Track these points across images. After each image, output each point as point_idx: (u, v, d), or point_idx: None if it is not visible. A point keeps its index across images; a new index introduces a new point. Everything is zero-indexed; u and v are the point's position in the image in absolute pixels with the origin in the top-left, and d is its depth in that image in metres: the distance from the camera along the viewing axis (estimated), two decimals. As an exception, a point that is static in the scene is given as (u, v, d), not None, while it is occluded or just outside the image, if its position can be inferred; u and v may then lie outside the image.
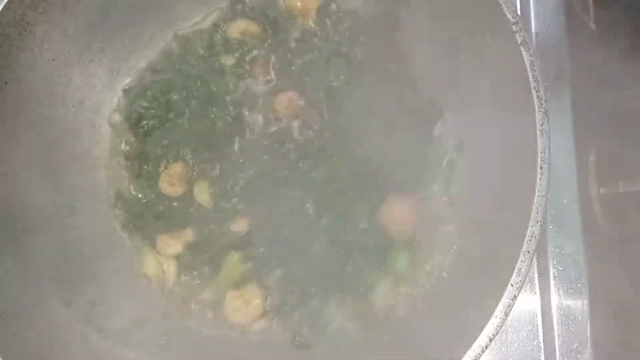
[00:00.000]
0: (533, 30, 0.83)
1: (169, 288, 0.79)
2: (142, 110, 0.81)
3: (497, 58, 0.67)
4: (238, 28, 0.82)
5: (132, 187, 0.81)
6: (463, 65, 0.73)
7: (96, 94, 0.81)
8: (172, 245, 0.78)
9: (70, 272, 0.74)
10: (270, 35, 0.82)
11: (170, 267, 0.78)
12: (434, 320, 0.69)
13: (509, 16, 0.63)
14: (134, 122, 0.81)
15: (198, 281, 0.78)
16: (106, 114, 0.82)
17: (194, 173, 0.80)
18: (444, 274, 0.73)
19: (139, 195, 0.81)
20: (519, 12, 0.79)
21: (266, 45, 0.83)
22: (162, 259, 0.79)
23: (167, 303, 0.78)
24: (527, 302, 0.77)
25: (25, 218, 0.72)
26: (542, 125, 0.61)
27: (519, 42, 0.62)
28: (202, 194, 0.79)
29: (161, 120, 0.81)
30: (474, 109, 0.73)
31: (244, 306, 0.75)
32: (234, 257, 0.77)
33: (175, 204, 0.80)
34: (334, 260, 0.75)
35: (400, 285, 0.75)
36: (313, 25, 0.82)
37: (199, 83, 0.81)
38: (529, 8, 0.83)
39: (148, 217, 0.80)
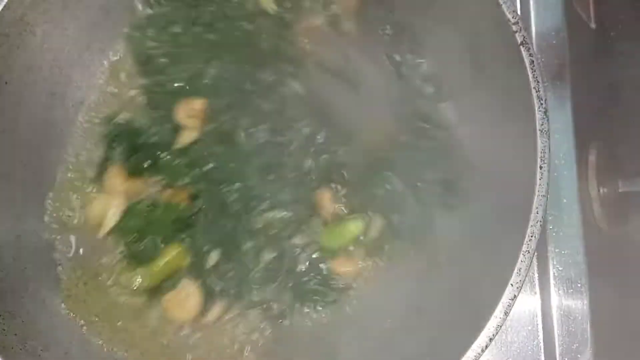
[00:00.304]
0: (533, 30, 0.83)
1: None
2: (149, 50, 0.78)
3: (497, 58, 0.67)
4: None
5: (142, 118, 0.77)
6: (463, 66, 0.73)
7: (96, 95, 0.81)
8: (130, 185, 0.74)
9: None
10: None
11: (116, 212, 0.74)
12: (433, 320, 0.69)
13: (509, 16, 0.63)
14: (144, 62, 0.79)
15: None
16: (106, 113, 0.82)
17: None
18: (444, 274, 0.73)
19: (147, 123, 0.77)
20: (519, 12, 0.79)
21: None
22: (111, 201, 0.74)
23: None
24: (527, 302, 0.77)
25: (26, 217, 0.73)
26: (542, 125, 0.61)
27: (519, 42, 0.62)
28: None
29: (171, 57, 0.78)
30: (474, 109, 0.73)
31: (182, 304, 0.72)
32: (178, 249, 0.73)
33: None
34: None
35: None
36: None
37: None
38: (529, 8, 0.83)
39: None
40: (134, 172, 0.76)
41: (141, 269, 0.73)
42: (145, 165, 0.76)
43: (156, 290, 0.73)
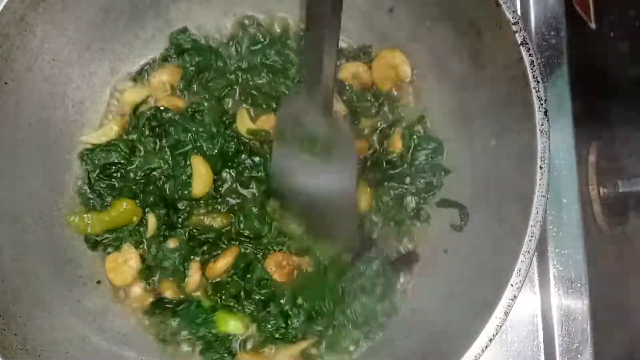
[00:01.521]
0: (533, 30, 0.83)
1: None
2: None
3: (497, 58, 0.67)
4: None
5: None
6: (463, 66, 0.73)
7: (96, 94, 0.81)
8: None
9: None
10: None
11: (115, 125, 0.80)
12: (434, 320, 0.69)
13: (509, 16, 0.63)
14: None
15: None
16: (106, 114, 0.82)
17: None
18: (445, 274, 0.73)
19: None
20: (519, 12, 0.79)
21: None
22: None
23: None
24: (527, 302, 0.77)
25: (26, 217, 0.73)
26: (542, 125, 0.61)
27: (519, 42, 0.62)
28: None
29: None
30: (474, 109, 0.73)
31: (122, 267, 0.76)
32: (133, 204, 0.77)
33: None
34: None
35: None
36: None
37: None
38: (529, 8, 0.83)
39: None
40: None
41: (92, 213, 0.77)
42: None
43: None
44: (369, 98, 0.81)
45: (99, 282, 0.77)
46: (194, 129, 0.79)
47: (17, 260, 0.70)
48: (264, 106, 0.81)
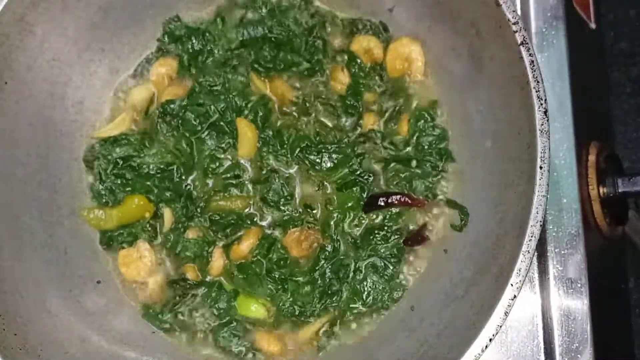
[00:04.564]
0: (533, 30, 0.83)
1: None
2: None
3: (497, 58, 0.67)
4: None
5: None
6: (463, 66, 0.73)
7: (96, 94, 0.81)
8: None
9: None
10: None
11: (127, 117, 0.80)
12: (433, 320, 0.69)
13: (509, 16, 0.63)
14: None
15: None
16: (106, 114, 0.82)
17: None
18: (445, 274, 0.73)
19: None
20: (519, 12, 0.79)
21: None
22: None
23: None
24: (527, 302, 0.77)
25: (25, 217, 0.73)
26: (542, 125, 0.61)
27: (519, 42, 0.62)
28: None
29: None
30: (474, 109, 0.73)
31: (136, 262, 0.76)
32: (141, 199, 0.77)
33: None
34: None
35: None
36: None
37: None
38: (529, 8, 0.83)
39: None
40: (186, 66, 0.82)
41: (106, 209, 0.77)
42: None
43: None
44: (375, 79, 0.81)
45: (99, 282, 0.76)
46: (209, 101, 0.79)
47: (17, 260, 0.70)
48: (274, 69, 0.80)
